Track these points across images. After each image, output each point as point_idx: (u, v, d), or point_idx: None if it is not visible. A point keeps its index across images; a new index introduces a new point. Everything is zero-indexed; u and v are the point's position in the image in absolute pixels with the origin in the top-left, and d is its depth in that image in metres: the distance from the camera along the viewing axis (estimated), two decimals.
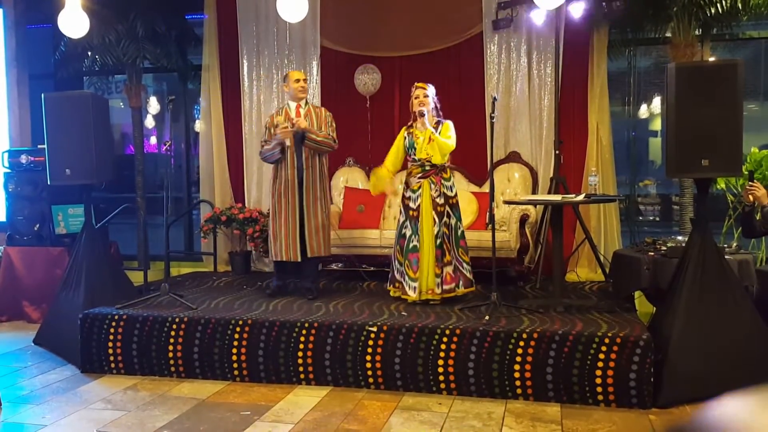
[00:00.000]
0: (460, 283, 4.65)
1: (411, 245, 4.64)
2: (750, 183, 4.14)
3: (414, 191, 4.68)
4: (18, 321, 5.97)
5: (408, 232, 4.67)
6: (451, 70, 6.30)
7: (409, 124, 4.80)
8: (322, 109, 5.09)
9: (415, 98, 4.69)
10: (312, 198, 4.90)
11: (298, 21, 5.71)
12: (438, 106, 4.76)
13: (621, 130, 6.71)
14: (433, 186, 4.62)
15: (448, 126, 4.67)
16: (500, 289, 4.46)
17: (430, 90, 4.72)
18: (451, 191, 4.69)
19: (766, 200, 4.05)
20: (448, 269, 4.61)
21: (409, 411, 3.70)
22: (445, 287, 4.59)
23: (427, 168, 4.65)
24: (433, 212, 4.60)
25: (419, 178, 4.67)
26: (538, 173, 6.02)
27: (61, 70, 7.11)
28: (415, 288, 4.59)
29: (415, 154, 4.67)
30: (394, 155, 4.81)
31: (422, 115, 4.63)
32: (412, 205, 4.67)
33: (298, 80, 5.03)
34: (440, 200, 4.62)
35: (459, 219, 4.71)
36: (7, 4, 6.89)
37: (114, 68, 7.12)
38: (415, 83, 4.77)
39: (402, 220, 4.76)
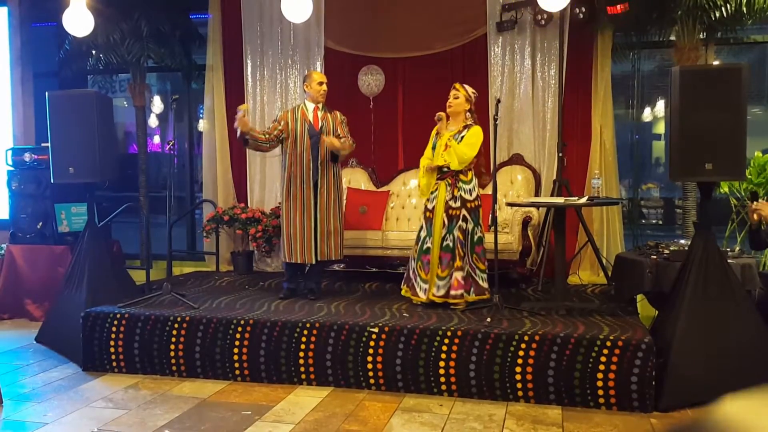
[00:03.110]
0: (471, 290, 4.55)
1: (425, 247, 4.62)
2: (755, 203, 4.14)
3: (433, 192, 4.65)
4: (20, 319, 5.98)
5: (423, 234, 4.66)
6: (454, 71, 6.29)
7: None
8: (337, 112, 5.05)
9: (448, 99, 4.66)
10: (327, 201, 4.89)
11: (303, 21, 5.72)
12: (472, 109, 4.66)
13: (624, 133, 6.70)
14: (448, 189, 4.57)
15: (473, 133, 4.55)
16: (502, 291, 4.45)
17: (466, 91, 4.63)
18: (470, 195, 4.56)
19: None
20: (458, 275, 4.52)
21: (410, 412, 3.70)
22: (452, 293, 4.51)
23: (444, 170, 4.60)
24: (444, 215, 4.56)
25: (438, 180, 4.63)
26: (541, 175, 6.01)
27: (65, 68, 7.13)
28: (425, 290, 4.58)
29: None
30: (428, 151, 4.74)
31: (439, 119, 4.61)
32: (429, 206, 4.66)
33: (321, 83, 4.97)
34: (455, 204, 4.55)
35: (477, 224, 4.57)
36: (12, 2, 6.91)
37: (118, 67, 7.14)
38: (453, 84, 4.71)
39: (423, 221, 4.75)
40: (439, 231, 4.57)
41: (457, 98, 4.63)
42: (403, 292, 4.81)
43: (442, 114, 4.65)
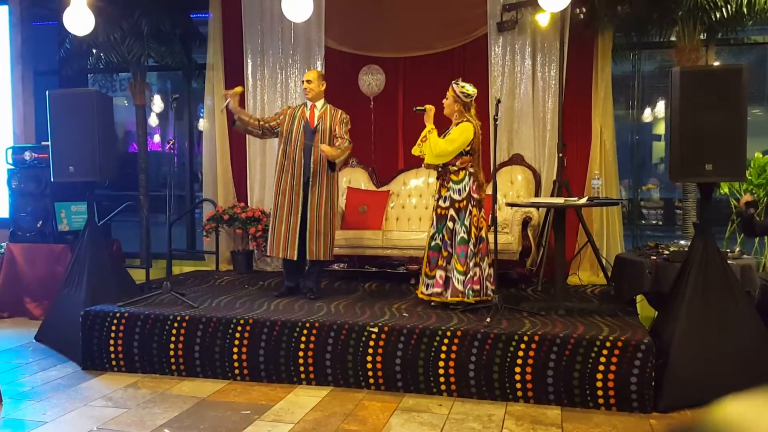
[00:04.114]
0: (449, 291, 4.50)
1: (433, 243, 4.64)
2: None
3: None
4: (20, 317, 5.97)
5: (433, 230, 4.66)
6: (455, 71, 6.26)
7: None
8: (339, 111, 5.02)
9: None
10: (317, 201, 4.88)
11: (303, 21, 5.72)
12: (462, 107, 4.57)
13: (625, 133, 6.70)
14: (442, 188, 4.59)
15: (457, 128, 4.51)
16: (502, 292, 4.45)
17: (454, 91, 4.56)
18: (459, 195, 4.50)
19: None
20: (440, 273, 4.53)
21: (409, 412, 3.70)
22: (434, 290, 4.54)
23: (440, 169, 4.61)
24: (433, 214, 4.61)
25: (436, 179, 4.67)
26: (541, 176, 6.01)
27: (65, 67, 7.13)
28: (428, 285, 4.64)
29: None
30: None
31: (422, 110, 4.60)
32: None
33: (303, 81, 5.02)
34: (443, 203, 4.56)
35: (462, 224, 4.48)
36: (12, 0, 6.91)
37: (118, 66, 7.14)
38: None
39: None
40: (430, 230, 4.60)
41: (446, 99, 4.62)
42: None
43: (429, 107, 4.61)
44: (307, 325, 4.17)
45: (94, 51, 7.00)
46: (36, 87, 6.96)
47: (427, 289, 4.60)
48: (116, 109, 5.51)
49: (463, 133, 4.49)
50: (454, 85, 4.60)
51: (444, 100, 4.63)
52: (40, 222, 6.09)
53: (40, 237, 6.08)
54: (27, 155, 6.15)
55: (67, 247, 5.90)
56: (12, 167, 6.23)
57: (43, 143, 5.82)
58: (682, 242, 4.93)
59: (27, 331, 5.39)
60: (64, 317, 4.85)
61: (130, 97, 7.20)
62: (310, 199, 4.87)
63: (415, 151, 4.64)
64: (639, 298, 5.01)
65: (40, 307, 5.91)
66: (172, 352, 4.37)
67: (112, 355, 4.47)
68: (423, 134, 4.58)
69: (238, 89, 4.95)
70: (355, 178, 6.33)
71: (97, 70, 7.48)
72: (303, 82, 5.02)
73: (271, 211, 5.04)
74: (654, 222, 8.77)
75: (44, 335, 5.14)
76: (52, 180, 5.00)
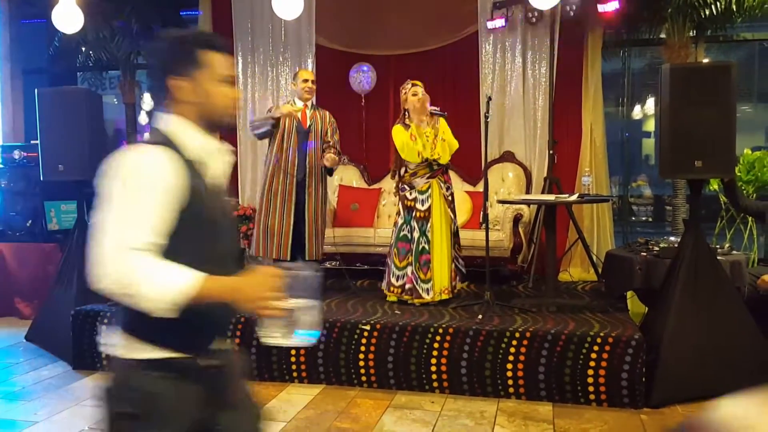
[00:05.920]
0: (457, 278, 4.70)
1: (420, 247, 4.57)
2: None
3: (422, 192, 4.57)
4: (10, 317, 5.93)
5: (416, 234, 4.57)
6: (446, 69, 6.30)
7: (404, 122, 4.70)
8: (327, 113, 5.01)
9: (413, 95, 4.57)
10: (314, 201, 4.88)
11: (294, 18, 5.70)
12: None
13: (615, 130, 6.73)
14: (443, 185, 4.61)
15: (446, 126, 4.63)
16: (493, 289, 4.46)
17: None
18: (450, 190, 4.73)
19: None
20: (453, 265, 4.68)
21: (401, 409, 3.71)
22: (452, 284, 4.65)
23: (435, 167, 4.60)
24: (449, 210, 4.61)
25: (428, 178, 4.60)
26: (531, 173, 6.02)
27: (54, 65, 7.10)
28: (428, 290, 4.54)
29: (420, 154, 4.56)
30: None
31: (440, 114, 4.59)
32: (420, 206, 4.56)
33: (306, 80, 4.94)
34: (450, 198, 4.64)
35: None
36: None
37: (108, 64, 7.11)
38: (410, 80, 4.70)
39: (401, 222, 4.65)
40: (445, 228, 4.57)
41: (423, 95, 4.58)
42: (389, 298, 4.71)
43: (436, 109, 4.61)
44: None
45: (84, 49, 6.96)
46: (25, 85, 6.92)
47: (452, 283, 4.66)
48: (106, 107, 5.49)
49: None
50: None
51: (422, 95, 4.58)
52: (30, 221, 6.06)
53: (29, 236, 6.04)
54: (16, 154, 6.11)
55: (57, 246, 5.86)
56: (1, 166, 6.19)
57: (32, 142, 5.78)
58: (672, 238, 4.96)
59: (17, 331, 5.36)
60: (54, 317, 4.83)
61: (120, 95, 7.16)
62: (306, 199, 4.86)
63: (434, 155, 4.53)
64: (629, 294, 5.03)
65: (30, 307, 5.88)
66: None
67: (103, 355, 4.45)
68: (432, 137, 4.54)
69: (299, 109, 4.89)
70: (347, 175, 6.32)
71: (86, 68, 7.44)
72: (305, 81, 4.93)
73: (260, 210, 4.98)
74: (644, 218, 8.82)
75: (34, 335, 5.11)
76: (41, 179, 4.97)
